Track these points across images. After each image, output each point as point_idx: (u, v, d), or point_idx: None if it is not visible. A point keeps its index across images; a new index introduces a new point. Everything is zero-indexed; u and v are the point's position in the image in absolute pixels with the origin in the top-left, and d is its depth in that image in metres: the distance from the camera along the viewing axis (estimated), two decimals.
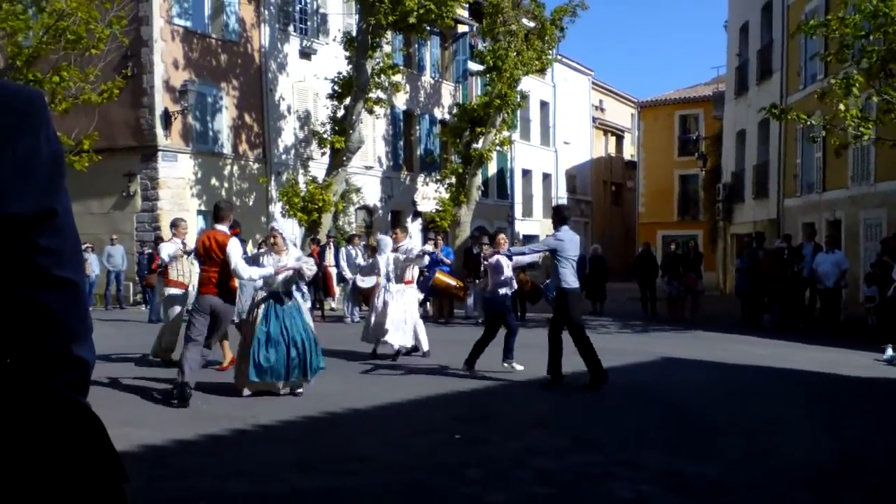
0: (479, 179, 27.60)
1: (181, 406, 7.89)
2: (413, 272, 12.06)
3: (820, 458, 6.42)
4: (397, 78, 25.03)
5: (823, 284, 16.75)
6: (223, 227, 8.61)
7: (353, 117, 22.15)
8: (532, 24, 26.81)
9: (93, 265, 19.85)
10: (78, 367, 1.41)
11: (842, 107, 14.87)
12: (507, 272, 10.12)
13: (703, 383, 10.01)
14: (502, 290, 10.17)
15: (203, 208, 23.17)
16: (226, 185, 23.92)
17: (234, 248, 8.29)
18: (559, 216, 9.79)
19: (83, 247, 22.85)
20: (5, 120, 1.30)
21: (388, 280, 11.52)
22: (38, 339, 1.35)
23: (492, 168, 35.48)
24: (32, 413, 1.34)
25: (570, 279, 9.39)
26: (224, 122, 24.00)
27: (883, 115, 14.84)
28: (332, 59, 25.41)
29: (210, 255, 8.41)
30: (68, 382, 1.39)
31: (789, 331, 16.75)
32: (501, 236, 10.82)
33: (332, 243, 19.58)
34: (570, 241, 9.47)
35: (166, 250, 10.86)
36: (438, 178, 28.26)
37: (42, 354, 1.36)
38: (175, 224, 11.21)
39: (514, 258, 10.21)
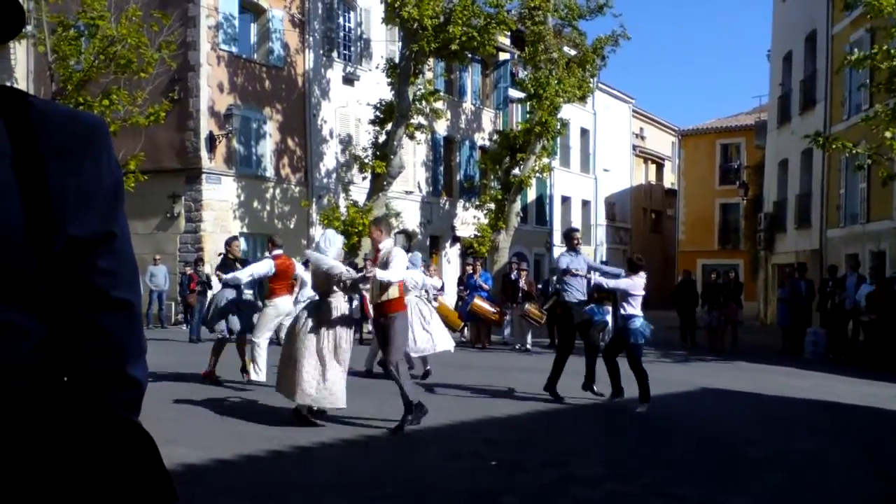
0: (518, 206, 27.63)
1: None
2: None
3: (865, 497, 6.31)
4: (438, 105, 25.22)
5: (867, 316, 16.49)
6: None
7: (395, 143, 22.33)
8: (573, 53, 26.89)
9: None
10: (132, 387, 1.45)
11: (888, 134, 14.72)
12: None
13: (743, 415, 9.89)
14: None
15: (245, 230, 23.44)
16: (268, 207, 24.21)
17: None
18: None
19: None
20: (71, 146, 1.37)
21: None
22: (95, 358, 1.40)
23: (531, 194, 35.51)
24: (88, 430, 1.39)
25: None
26: (267, 145, 24.34)
27: None
28: (375, 85, 25.68)
29: None
30: (122, 401, 1.44)
31: (831, 362, 16.52)
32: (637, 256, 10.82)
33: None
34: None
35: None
36: (478, 203, 28.34)
37: (98, 373, 1.41)
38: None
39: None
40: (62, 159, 1.34)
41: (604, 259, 36.52)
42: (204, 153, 22.26)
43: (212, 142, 22.40)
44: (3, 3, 1.37)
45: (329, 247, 8.16)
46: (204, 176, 22.23)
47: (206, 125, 22.33)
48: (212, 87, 22.52)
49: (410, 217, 28.72)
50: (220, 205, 22.69)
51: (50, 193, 1.31)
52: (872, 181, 20.71)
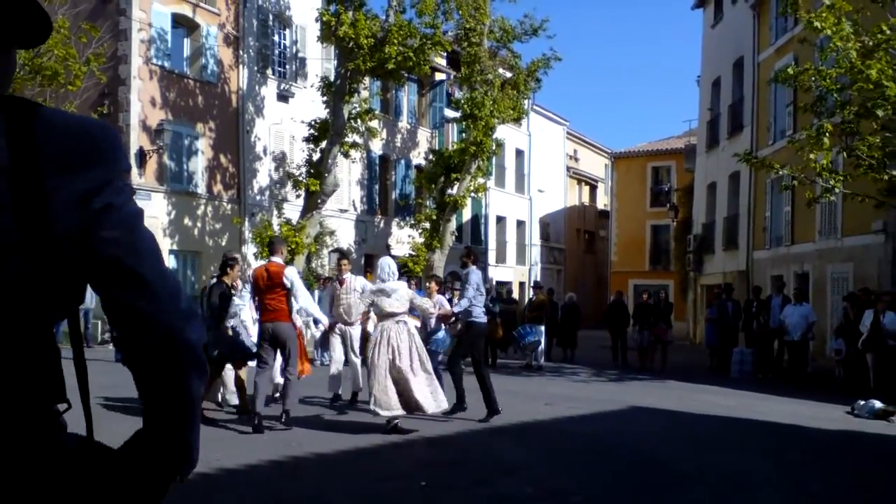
0: (453, 225, 27.70)
1: (256, 433, 8.59)
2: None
3: None
4: (374, 124, 25.21)
5: (791, 336, 16.92)
6: (278, 259, 9.31)
7: (329, 161, 22.22)
8: (509, 74, 27.16)
9: None
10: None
11: (813, 156, 15.16)
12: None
13: (671, 433, 10.03)
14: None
15: (175, 248, 23.05)
16: (199, 224, 23.83)
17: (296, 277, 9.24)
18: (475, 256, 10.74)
19: None
20: (75, 159, 1.37)
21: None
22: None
23: (466, 214, 35.65)
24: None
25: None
26: (199, 162, 23.99)
27: (854, 169, 15.14)
28: (310, 103, 25.56)
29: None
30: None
31: (758, 381, 16.88)
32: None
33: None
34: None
35: None
36: (413, 222, 28.33)
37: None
38: None
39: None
40: (63, 174, 1.31)
41: (537, 279, 36.81)
42: (134, 169, 21.83)
43: (142, 157, 22.00)
44: (31, 9, 1.36)
45: (392, 275, 9.19)
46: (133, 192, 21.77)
47: (137, 140, 21.92)
48: (143, 102, 22.14)
49: (345, 235, 28.58)
50: (150, 221, 22.24)
51: (49, 209, 1.28)
52: (797, 204, 21.34)
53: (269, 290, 9.01)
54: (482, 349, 10.93)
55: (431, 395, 8.95)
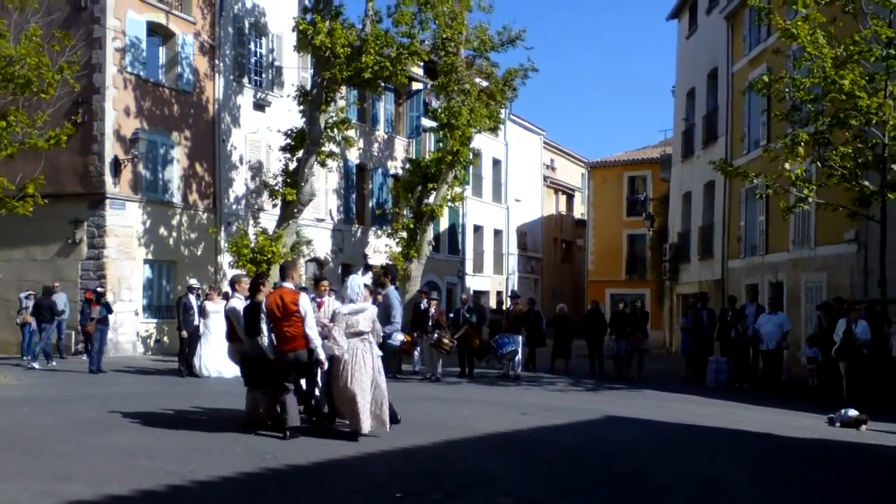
0: (430, 234, 27.65)
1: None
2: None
3: None
4: (350, 133, 25.16)
5: (766, 345, 17.02)
6: (290, 285, 9.44)
7: (306, 170, 22.14)
8: (485, 84, 27.21)
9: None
10: None
11: (787, 165, 15.30)
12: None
13: (647, 442, 10.05)
14: None
15: (150, 257, 22.89)
16: (174, 234, 23.68)
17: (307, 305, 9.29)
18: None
19: (26, 294, 21.47)
20: None
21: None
22: None
23: (443, 223, 35.64)
24: None
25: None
26: (175, 171, 23.84)
27: (827, 178, 15.30)
28: (286, 112, 25.48)
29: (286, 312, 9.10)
30: None
31: (736, 391, 16.94)
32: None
33: None
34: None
35: None
36: (390, 231, 28.29)
37: None
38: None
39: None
40: None
41: (514, 288, 36.88)
42: (108, 178, 21.67)
43: (117, 166, 21.84)
44: None
45: (360, 295, 9.38)
46: (108, 201, 21.64)
47: (112, 149, 21.77)
48: (118, 111, 21.99)
49: (322, 245, 28.49)
50: (125, 231, 22.10)
51: None
52: (771, 214, 21.52)
53: (284, 318, 9.06)
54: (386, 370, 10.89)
55: (386, 412, 9.37)
